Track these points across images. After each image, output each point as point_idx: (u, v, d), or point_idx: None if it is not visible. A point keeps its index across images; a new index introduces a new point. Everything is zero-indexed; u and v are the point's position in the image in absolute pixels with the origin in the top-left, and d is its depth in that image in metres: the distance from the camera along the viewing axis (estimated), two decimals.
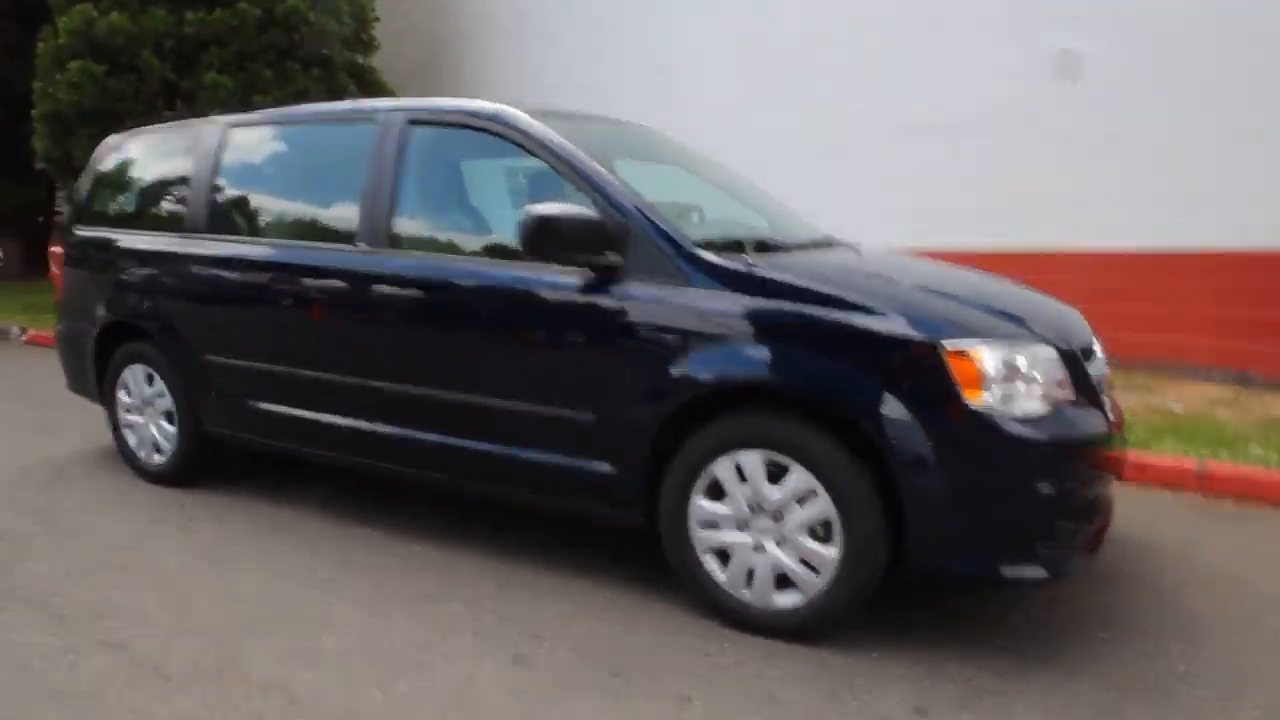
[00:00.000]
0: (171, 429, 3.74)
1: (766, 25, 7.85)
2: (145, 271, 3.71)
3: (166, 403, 3.73)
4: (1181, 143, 5.71)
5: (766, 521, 2.38)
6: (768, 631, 2.41)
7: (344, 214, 3.14)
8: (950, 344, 2.17)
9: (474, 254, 2.90)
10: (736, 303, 2.39)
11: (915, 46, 6.87)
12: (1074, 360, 2.33)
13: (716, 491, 2.44)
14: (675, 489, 2.49)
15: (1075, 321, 2.67)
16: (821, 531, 2.32)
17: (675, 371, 2.42)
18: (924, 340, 2.18)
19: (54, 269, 4.22)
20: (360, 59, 10.83)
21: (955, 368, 2.15)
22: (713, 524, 2.46)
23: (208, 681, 2.18)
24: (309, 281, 3.13)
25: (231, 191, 3.52)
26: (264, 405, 3.37)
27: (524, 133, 2.79)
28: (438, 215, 3.04)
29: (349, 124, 3.30)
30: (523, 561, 2.95)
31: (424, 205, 3.03)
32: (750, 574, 2.42)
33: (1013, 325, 2.32)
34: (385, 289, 2.93)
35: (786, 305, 2.34)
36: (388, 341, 2.98)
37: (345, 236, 3.10)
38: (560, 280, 2.61)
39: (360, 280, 2.99)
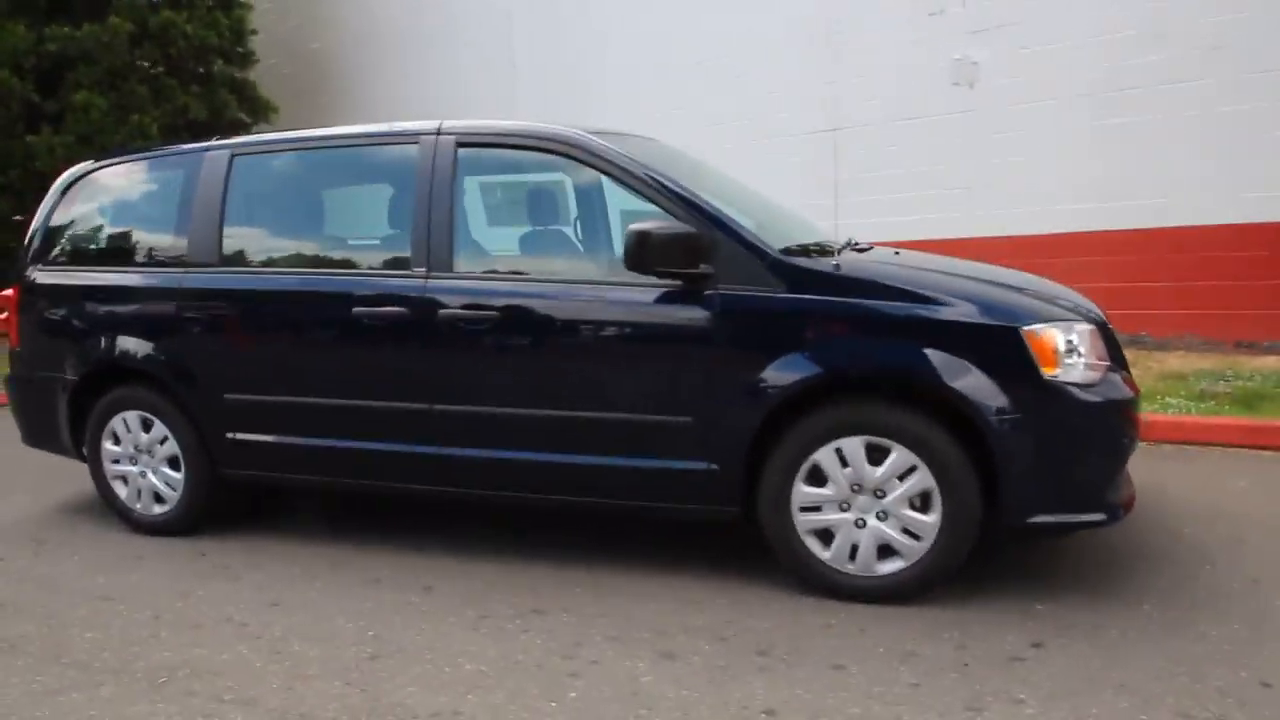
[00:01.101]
0: (177, 475, 3.50)
1: (684, 36, 8.18)
2: (143, 311, 3.46)
3: (170, 448, 3.48)
4: (1066, 140, 6.52)
5: (867, 499, 2.62)
6: (873, 599, 2.65)
7: (390, 239, 3.09)
8: (1027, 328, 2.50)
9: (551, 273, 2.96)
10: (827, 302, 2.61)
11: (827, 57, 7.40)
12: (1107, 332, 2.74)
13: (817, 477, 2.66)
14: (777, 479, 2.68)
15: (1084, 299, 3.09)
16: (919, 502, 2.58)
17: (775, 370, 2.61)
18: (1007, 325, 2.50)
19: (5, 314, 3.82)
20: (238, 73, 10.20)
21: (1034, 347, 2.48)
22: (815, 507, 2.67)
23: None
24: (362, 310, 3.05)
25: (248, 221, 3.35)
26: (301, 441, 3.24)
27: (596, 154, 2.88)
28: (502, 237, 3.06)
29: (383, 147, 3.24)
30: (596, 567, 3.03)
31: (485, 227, 3.05)
32: (854, 548, 2.66)
33: (1060, 307, 2.69)
34: (461, 312, 2.92)
35: (876, 302, 2.59)
36: (462, 364, 2.97)
37: (397, 262, 3.05)
38: (653, 292, 2.73)
39: (427, 305, 2.96)
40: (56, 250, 3.73)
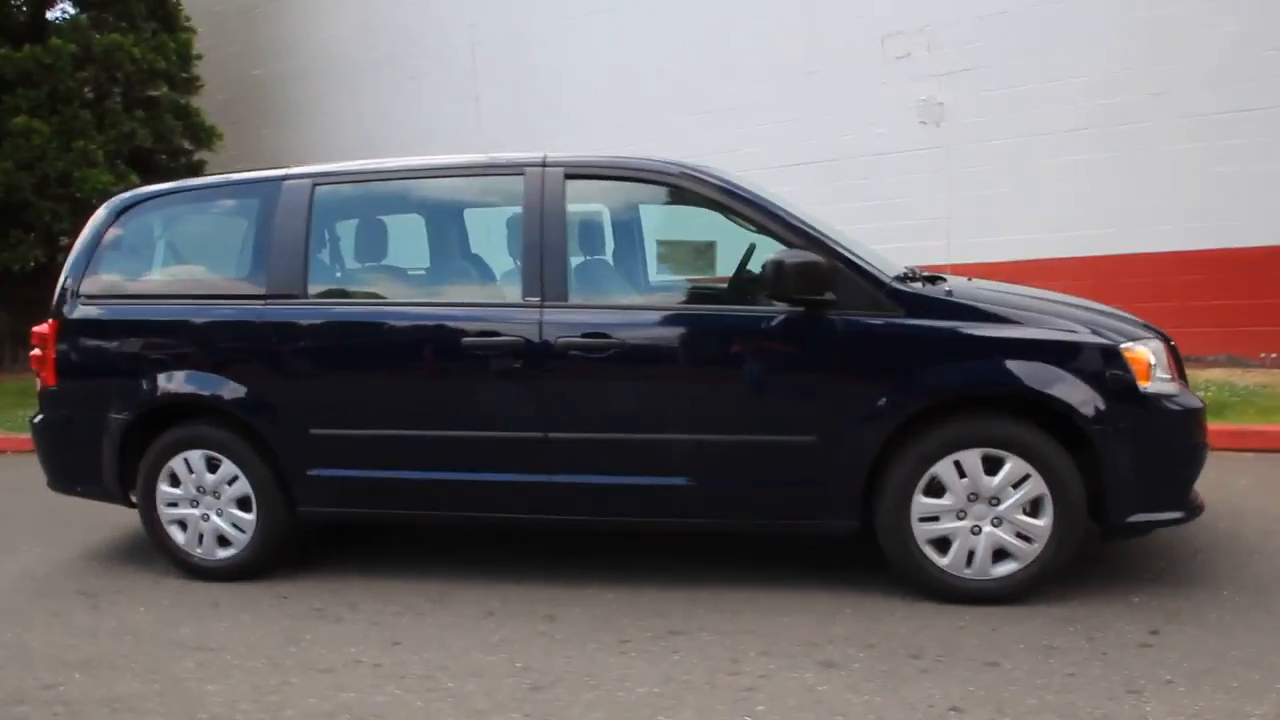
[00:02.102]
0: (247, 516, 3.36)
1: (653, 69, 8.42)
2: (214, 345, 3.32)
3: (240, 488, 3.34)
4: (1026, 176, 7.10)
5: (983, 507, 2.82)
6: (988, 600, 2.83)
7: (494, 270, 3.11)
8: (1124, 346, 2.78)
9: (665, 301, 3.05)
10: (944, 326, 2.82)
11: (802, 95, 7.79)
12: (1173, 348, 3.06)
13: (935, 489, 2.84)
14: (897, 492, 2.84)
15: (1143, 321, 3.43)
16: (1031, 508, 2.80)
17: (899, 390, 2.79)
18: (1110, 345, 2.77)
19: (39, 352, 3.57)
20: (182, 99, 9.77)
21: (1132, 363, 2.76)
22: (933, 517, 2.85)
23: None
24: (474, 341, 3.04)
25: (333, 252, 3.29)
26: (396, 475, 3.19)
27: (710, 184, 3.01)
28: (616, 266, 3.13)
29: (483, 178, 3.26)
30: (708, 586, 3.10)
31: (595, 257, 3.11)
32: (970, 554, 2.85)
33: (1139, 328, 2.99)
34: (580, 340, 2.96)
35: (987, 326, 2.82)
36: (581, 393, 3.00)
37: (507, 293, 3.07)
38: (776, 318, 2.87)
39: (544, 335, 2.98)
40: (103, 283, 3.53)
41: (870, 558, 3.04)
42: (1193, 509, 2.89)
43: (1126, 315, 3.25)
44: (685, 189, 3.05)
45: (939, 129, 7.27)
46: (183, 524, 3.44)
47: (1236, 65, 6.36)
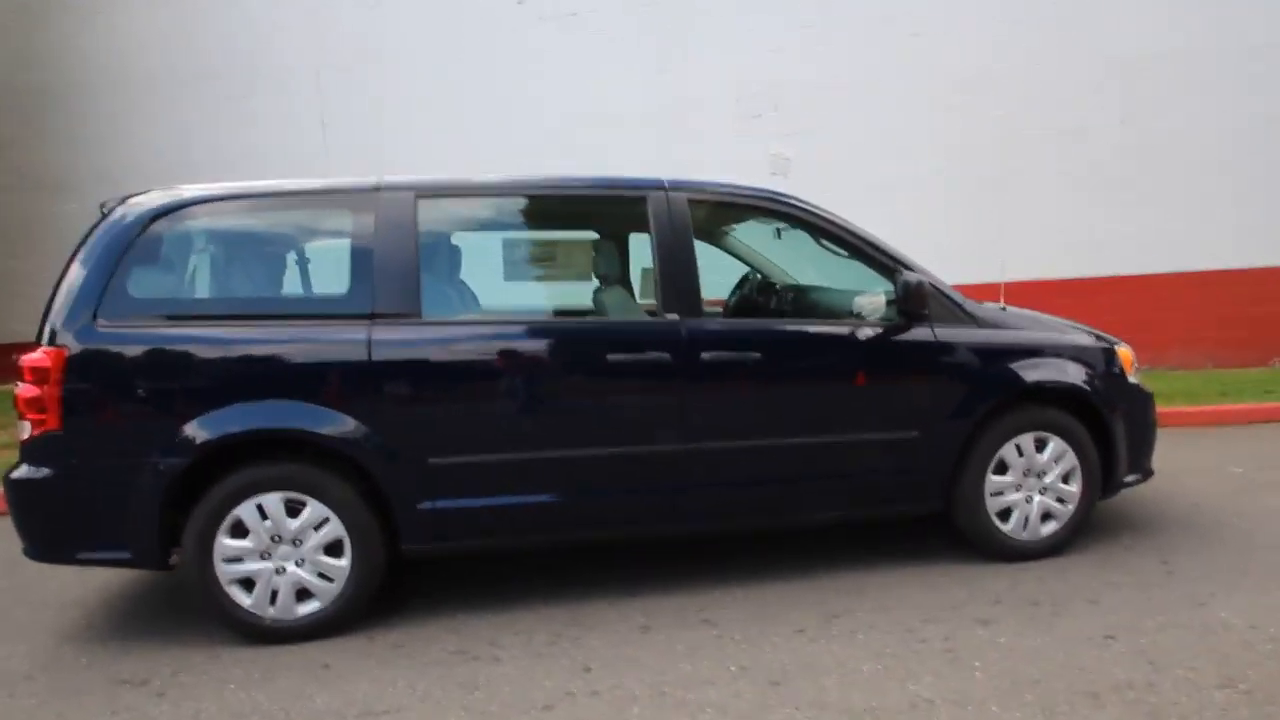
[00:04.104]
0: (339, 562, 3.00)
1: (519, 110, 8.44)
2: (305, 373, 2.92)
3: (331, 531, 2.98)
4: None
5: (1033, 480, 3.51)
6: (1035, 555, 3.51)
7: (619, 285, 3.15)
8: (1118, 348, 3.65)
9: (796, 316, 3.33)
10: (1009, 335, 3.48)
11: (666, 140, 8.32)
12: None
13: (1000, 468, 3.47)
14: (975, 473, 3.44)
15: None
16: (1066, 478, 3.55)
17: (980, 388, 3.39)
18: (1110, 347, 3.62)
19: (31, 390, 2.83)
20: None
21: (1123, 360, 3.64)
22: (999, 492, 3.48)
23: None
24: (621, 356, 3.06)
25: (445, 269, 3.06)
26: (528, 499, 3.09)
27: (808, 211, 3.38)
28: (748, 286, 3.33)
29: (601, 197, 3.26)
30: (818, 575, 3.45)
31: (714, 276, 3.29)
32: (1026, 519, 3.52)
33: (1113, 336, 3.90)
34: (722, 354, 3.13)
35: (1036, 334, 3.53)
36: (722, 403, 3.16)
37: (642, 307, 3.14)
38: (891, 331, 3.31)
39: (688, 348, 3.11)
40: (134, 303, 2.91)
41: (898, 535, 3.60)
42: (1149, 472, 3.85)
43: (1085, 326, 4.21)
44: (786, 214, 3.38)
45: (787, 179, 8.25)
46: (248, 582, 2.97)
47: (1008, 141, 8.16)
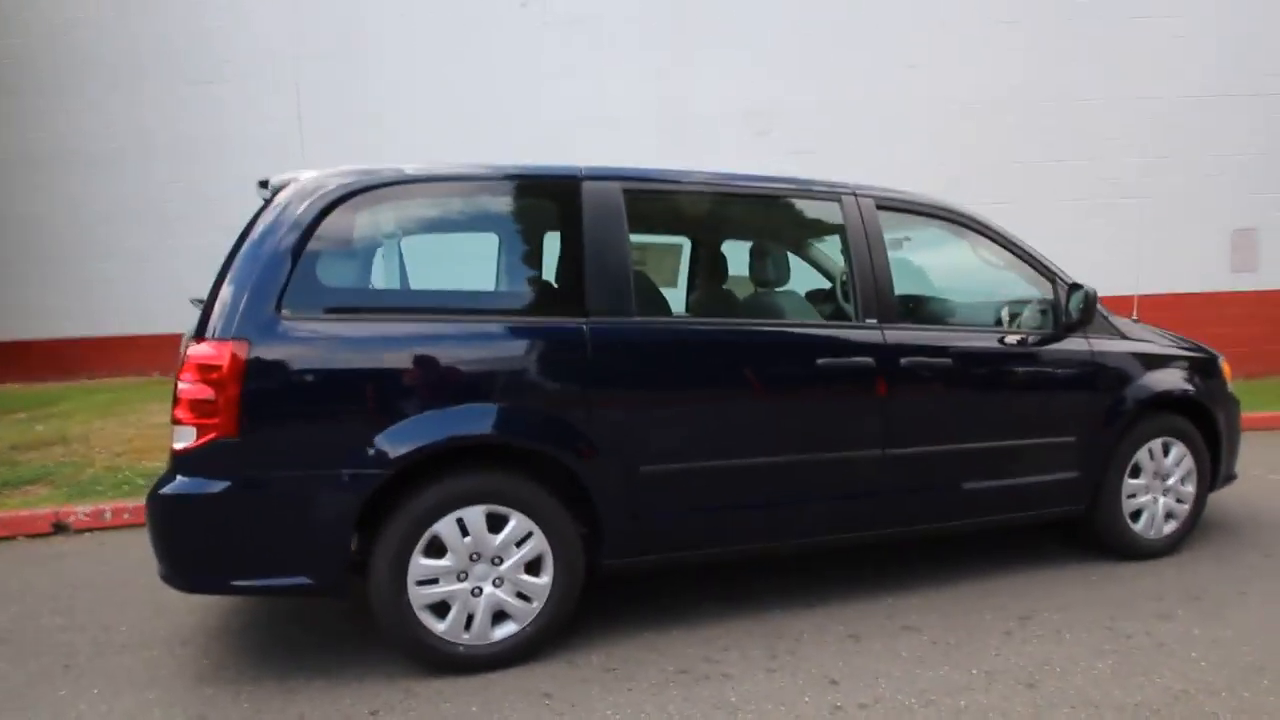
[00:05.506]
0: (539, 580, 2.76)
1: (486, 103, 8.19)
2: (527, 372, 2.67)
3: (533, 547, 2.73)
4: None
5: (1159, 483, 3.72)
6: (1150, 555, 3.69)
7: (818, 290, 3.09)
8: (1219, 359, 3.94)
9: (960, 321, 3.37)
10: (1144, 345, 3.68)
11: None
12: None
13: (1134, 471, 3.66)
14: (1115, 476, 3.60)
15: None
16: (1185, 479, 3.77)
17: (1128, 395, 3.56)
18: (1214, 358, 3.90)
19: (197, 390, 2.43)
20: None
21: (1225, 369, 3.93)
22: (1133, 494, 3.66)
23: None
24: (828, 361, 3.00)
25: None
26: (735, 507, 2.96)
27: (979, 222, 3.44)
28: (922, 293, 3.33)
29: (800, 200, 3.20)
30: (992, 578, 3.51)
31: (903, 283, 3.28)
32: (1152, 519, 3.71)
33: None
34: (920, 360, 3.13)
35: (1165, 345, 3.76)
36: (915, 409, 3.15)
37: (840, 313, 3.09)
38: (1059, 339, 3.43)
39: (889, 354, 3.08)
40: (321, 296, 2.56)
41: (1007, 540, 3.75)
42: (1235, 475, 4.16)
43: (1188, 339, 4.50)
44: (960, 223, 3.44)
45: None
46: (442, 606, 2.67)
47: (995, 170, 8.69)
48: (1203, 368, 3.85)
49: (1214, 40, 8.73)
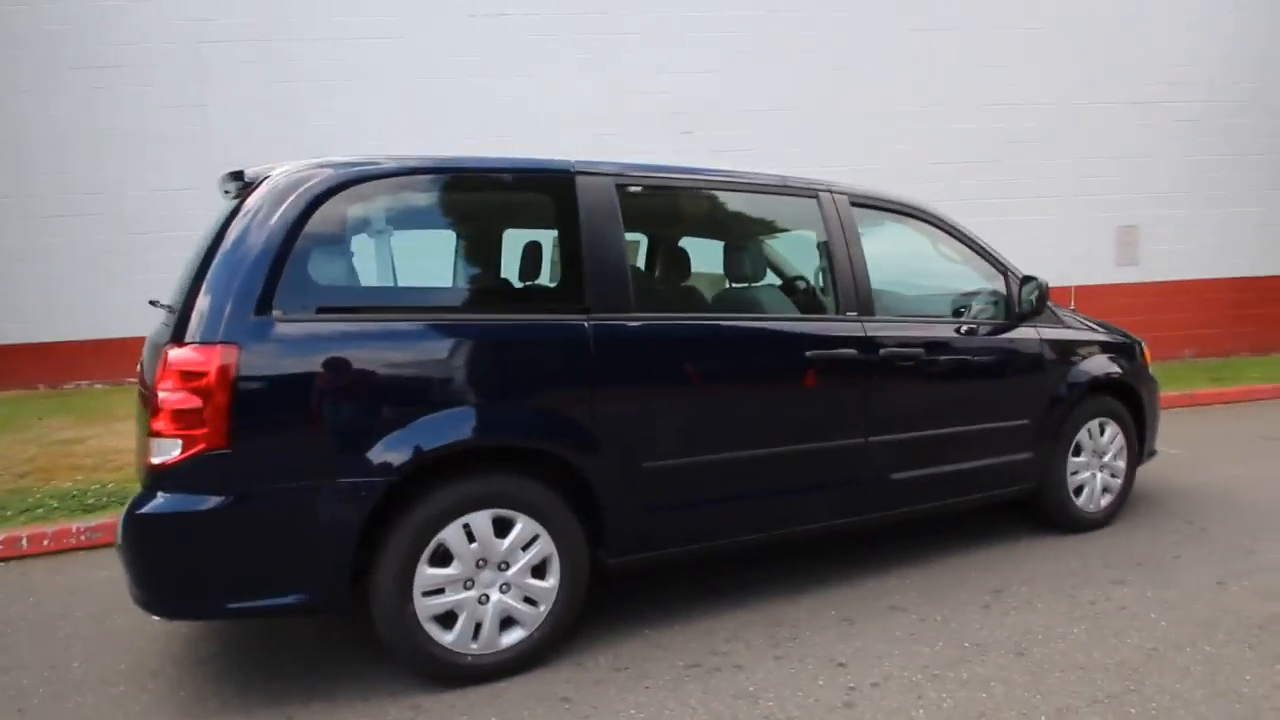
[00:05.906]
0: (545, 584, 2.70)
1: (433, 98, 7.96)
2: (529, 370, 2.60)
3: (539, 550, 2.67)
4: None
5: (1097, 460, 4.01)
6: (1087, 528, 3.97)
7: (797, 284, 3.16)
8: (1141, 344, 4.29)
9: (935, 316, 3.53)
10: (1082, 334, 3.96)
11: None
12: None
13: (1077, 450, 3.94)
14: (1060, 455, 3.86)
15: None
16: (1117, 454, 4.08)
17: (1071, 379, 3.82)
18: (1138, 343, 4.24)
19: (182, 399, 2.23)
20: None
21: (1145, 353, 4.28)
22: (1075, 471, 3.94)
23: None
24: (817, 353, 3.07)
25: (646, 261, 2.86)
26: (730, 500, 2.99)
27: (939, 218, 3.62)
28: (893, 286, 3.45)
29: (783, 196, 3.24)
30: (957, 556, 3.68)
31: (877, 277, 3.39)
32: (1089, 493, 4.00)
33: None
34: (896, 350, 3.25)
35: (1100, 333, 4.05)
36: (891, 397, 3.27)
37: (821, 306, 3.17)
38: (1013, 330, 3.64)
39: (869, 346, 3.18)
40: (313, 294, 2.40)
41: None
42: (1154, 451, 4.54)
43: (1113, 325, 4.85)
44: (924, 220, 3.60)
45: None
46: (448, 616, 2.57)
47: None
48: (1128, 352, 4.19)
49: (1100, 52, 9.50)
